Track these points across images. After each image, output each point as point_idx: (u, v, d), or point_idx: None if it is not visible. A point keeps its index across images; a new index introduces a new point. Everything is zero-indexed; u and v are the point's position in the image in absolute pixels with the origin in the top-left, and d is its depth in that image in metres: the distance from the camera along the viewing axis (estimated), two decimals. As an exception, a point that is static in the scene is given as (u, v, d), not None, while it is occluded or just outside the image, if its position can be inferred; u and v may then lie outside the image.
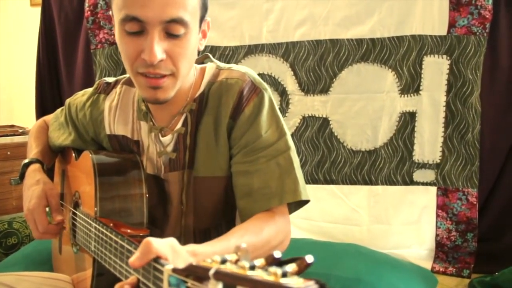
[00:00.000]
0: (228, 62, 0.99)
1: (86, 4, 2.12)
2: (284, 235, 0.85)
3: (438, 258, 1.83)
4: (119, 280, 0.64)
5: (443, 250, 1.83)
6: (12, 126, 2.80)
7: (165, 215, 0.96)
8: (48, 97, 2.32)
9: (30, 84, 2.40)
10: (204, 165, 0.91)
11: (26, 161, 1.06)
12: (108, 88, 1.03)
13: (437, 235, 1.83)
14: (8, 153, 2.43)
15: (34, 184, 0.98)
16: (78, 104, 1.07)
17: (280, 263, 0.40)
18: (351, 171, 1.92)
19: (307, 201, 0.89)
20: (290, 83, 1.96)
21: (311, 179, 1.95)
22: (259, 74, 1.40)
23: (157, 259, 0.54)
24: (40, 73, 2.30)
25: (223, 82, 0.90)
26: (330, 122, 1.93)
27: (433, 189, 1.84)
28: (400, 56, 1.83)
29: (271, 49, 1.96)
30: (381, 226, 1.87)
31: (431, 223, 1.84)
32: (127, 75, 1.01)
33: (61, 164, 1.17)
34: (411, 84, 1.83)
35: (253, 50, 1.98)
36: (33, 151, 1.09)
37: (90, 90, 1.07)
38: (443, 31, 1.77)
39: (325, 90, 1.92)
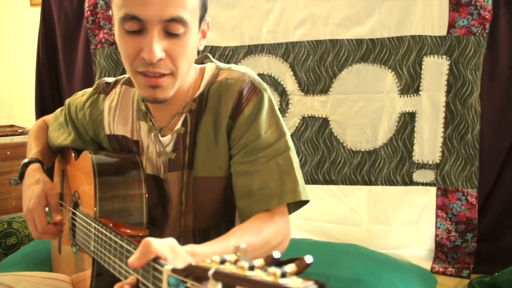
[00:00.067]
0: (228, 62, 0.99)
1: (86, 4, 2.12)
2: (283, 235, 0.85)
3: (437, 258, 1.83)
4: (118, 280, 0.64)
5: (443, 251, 1.83)
6: (12, 126, 2.79)
7: (164, 215, 0.96)
8: (48, 97, 2.32)
9: (30, 84, 2.40)
10: (203, 165, 0.91)
11: (25, 160, 1.06)
12: (107, 88, 1.03)
13: (436, 236, 1.83)
14: (8, 153, 2.43)
15: (34, 184, 0.98)
16: (77, 104, 1.07)
17: (279, 263, 0.40)
18: (350, 171, 1.92)
19: (306, 201, 0.89)
20: (290, 83, 1.96)
21: (311, 179, 1.95)
22: (258, 74, 1.39)
23: (156, 259, 0.54)
24: (40, 73, 2.30)
25: (223, 82, 0.90)
26: (330, 122, 1.93)
27: (433, 190, 1.84)
28: (400, 56, 1.83)
29: (271, 49, 1.96)
30: (380, 226, 1.87)
31: (431, 224, 1.84)
32: (126, 75, 1.01)
33: (61, 164, 1.17)
34: (410, 85, 1.83)
35: (253, 50, 1.98)
36: (32, 151, 1.09)
37: (89, 90, 1.07)
38: (443, 32, 1.77)
39: (324, 90, 1.92)
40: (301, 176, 0.89)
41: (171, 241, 0.59)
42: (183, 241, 0.93)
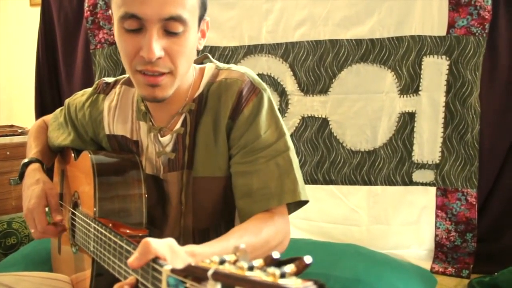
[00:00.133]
0: (228, 63, 0.99)
1: (86, 4, 2.12)
2: (283, 235, 0.85)
3: (437, 258, 1.83)
4: (118, 280, 0.64)
5: (443, 251, 1.83)
6: (12, 126, 2.79)
7: (164, 215, 0.96)
8: (48, 97, 2.32)
9: (29, 84, 2.40)
10: (203, 165, 0.91)
11: (25, 160, 1.06)
12: (107, 88, 1.03)
13: (436, 236, 1.83)
14: (8, 153, 2.43)
15: (34, 184, 0.98)
16: (77, 104, 1.07)
17: (278, 263, 0.40)
18: (350, 171, 1.92)
19: (306, 202, 0.89)
20: (290, 84, 1.96)
21: (311, 180, 1.95)
22: (258, 75, 1.40)
23: (155, 260, 0.54)
24: (40, 73, 2.30)
25: (222, 82, 0.90)
26: (330, 123, 1.93)
27: (433, 190, 1.84)
28: (400, 56, 1.83)
29: (271, 49, 1.96)
30: (380, 226, 1.88)
31: (431, 224, 1.84)
32: (126, 75, 1.01)
33: (61, 164, 1.17)
34: (410, 85, 1.83)
35: (252, 50, 1.98)
36: (32, 151, 1.09)
37: (89, 90, 1.07)
38: (443, 32, 1.77)
39: (324, 91, 1.92)
40: (301, 176, 0.89)
41: (170, 241, 0.59)
42: (182, 241, 0.93)
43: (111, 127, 1.00)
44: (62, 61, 2.27)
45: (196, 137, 0.91)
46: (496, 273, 1.62)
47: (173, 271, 0.48)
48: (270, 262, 0.40)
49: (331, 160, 1.94)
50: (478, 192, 1.79)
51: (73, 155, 1.06)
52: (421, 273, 1.58)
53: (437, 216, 1.83)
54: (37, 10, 2.34)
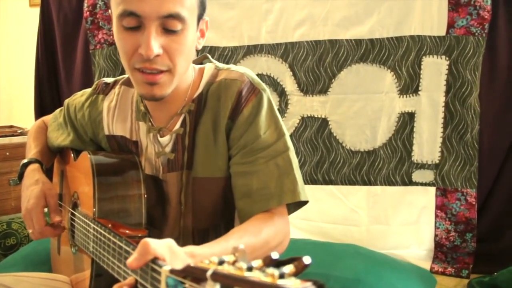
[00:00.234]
0: (227, 63, 0.99)
1: (85, 5, 2.12)
2: (283, 235, 0.85)
3: (437, 258, 1.83)
4: (117, 281, 0.64)
5: (442, 251, 1.83)
6: (11, 126, 2.79)
7: (163, 215, 0.96)
8: (47, 97, 2.32)
9: (29, 84, 2.40)
10: (202, 165, 0.91)
11: (25, 161, 1.06)
12: (106, 89, 1.03)
13: (436, 236, 1.83)
14: (7, 153, 2.43)
15: (33, 184, 0.98)
16: (76, 104, 1.06)
17: (277, 264, 0.40)
18: (350, 171, 1.92)
19: (306, 202, 0.89)
20: (289, 84, 1.96)
21: (310, 180, 1.95)
22: (258, 75, 1.40)
23: (155, 260, 0.54)
24: (39, 73, 2.30)
25: (222, 82, 0.90)
26: (329, 123, 1.93)
27: (432, 190, 1.84)
28: (399, 56, 1.83)
29: (270, 49, 1.96)
30: (380, 226, 1.88)
31: (430, 224, 1.84)
32: (125, 76, 1.01)
33: (60, 164, 1.17)
34: (410, 85, 1.83)
35: (252, 50, 1.98)
36: (32, 151, 1.09)
37: (88, 90, 1.07)
38: (442, 32, 1.77)
39: (324, 91, 1.92)
40: (300, 176, 0.89)
41: (169, 242, 0.59)
42: (182, 241, 0.93)
43: (111, 127, 1.00)
44: (62, 62, 2.26)
45: (196, 138, 0.91)
46: (495, 273, 1.62)
47: (172, 271, 0.48)
48: (269, 262, 0.40)
49: (330, 160, 1.94)
50: (478, 192, 1.79)
51: (72, 155, 1.06)
52: (421, 273, 1.58)
53: (436, 216, 1.83)
54: (37, 10, 2.34)
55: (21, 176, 1.04)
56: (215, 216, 0.96)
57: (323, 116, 1.93)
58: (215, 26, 1.96)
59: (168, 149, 0.92)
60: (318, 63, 1.92)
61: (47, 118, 1.21)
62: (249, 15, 1.97)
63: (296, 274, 0.38)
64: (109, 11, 0.85)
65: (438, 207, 1.83)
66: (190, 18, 0.81)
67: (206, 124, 0.90)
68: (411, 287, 1.42)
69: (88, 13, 2.11)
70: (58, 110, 1.16)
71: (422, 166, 1.84)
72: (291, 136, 1.91)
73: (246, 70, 0.92)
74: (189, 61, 0.87)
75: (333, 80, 1.91)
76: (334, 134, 1.93)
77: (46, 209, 0.96)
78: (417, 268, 1.63)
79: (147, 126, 0.94)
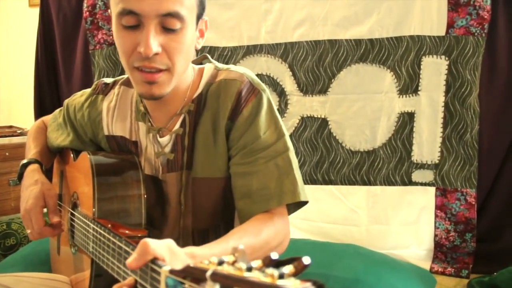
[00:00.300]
0: (227, 63, 0.99)
1: (85, 5, 2.12)
2: (283, 236, 0.84)
3: (436, 258, 1.83)
4: (117, 281, 0.64)
5: (442, 251, 1.83)
6: (11, 126, 2.79)
7: (163, 216, 0.96)
8: (47, 97, 2.32)
9: (28, 84, 2.40)
10: (202, 166, 0.91)
11: (24, 161, 1.06)
12: (106, 89, 1.03)
13: (435, 236, 1.83)
14: (7, 154, 2.43)
15: (32, 185, 0.98)
16: (76, 104, 1.06)
17: (277, 264, 0.40)
18: (349, 171, 1.92)
19: (306, 202, 0.89)
20: (289, 84, 1.96)
21: (310, 180, 1.95)
22: (257, 75, 1.40)
23: (154, 260, 0.54)
24: (39, 73, 2.30)
25: (222, 82, 0.90)
26: (329, 123, 1.93)
27: (432, 190, 1.84)
28: (399, 56, 1.83)
29: (270, 49, 1.96)
30: (379, 226, 1.88)
31: (430, 224, 1.84)
32: (125, 76, 1.01)
33: (60, 165, 1.17)
34: (409, 85, 1.83)
35: (251, 50, 1.98)
36: (31, 152, 1.09)
37: (88, 90, 1.07)
38: (442, 32, 1.77)
39: (323, 91, 1.92)
40: (300, 176, 0.89)
41: (169, 242, 0.59)
42: (182, 242, 0.93)
43: (110, 127, 1.00)
44: (61, 62, 2.26)
45: (195, 138, 0.91)
46: (495, 273, 1.62)
47: (172, 272, 0.48)
48: (269, 262, 0.40)
49: (330, 160, 1.94)
50: (478, 192, 1.79)
51: (72, 155, 1.06)
52: (421, 273, 1.58)
53: (436, 216, 1.83)
54: (36, 10, 2.34)
55: (20, 177, 1.04)
56: (215, 217, 0.96)
57: (322, 116, 1.93)
58: (215, 26, 1.96)
59: (167, 149, 0.92)
60: (317, 63, 1.92)
61: (47, 118, 1.21)
62: (248, 15, 1.97)
63: (295, 274, 0.38)
64: (109, 11, 0.85)
65: (438, 207, 1.83)
66: (189, 17, 0.81)
67: (206, 124, 0.90)
68: (411, 287, 1.42)
69: (87, 13, 2.11)
70: (57, 110, 1.16)
71: (421, 166, 1.84)
72: (290, 136, 1.91)
73: (246, 70, 0.92)
74: (188, 61, 0.87)
75: (332, 80, 1.91)
76: (334, 134, 1.93)
77: (45, 210, 0.96)
78: (417, 268, 1.63)
79: (146, 126, 0.94)
